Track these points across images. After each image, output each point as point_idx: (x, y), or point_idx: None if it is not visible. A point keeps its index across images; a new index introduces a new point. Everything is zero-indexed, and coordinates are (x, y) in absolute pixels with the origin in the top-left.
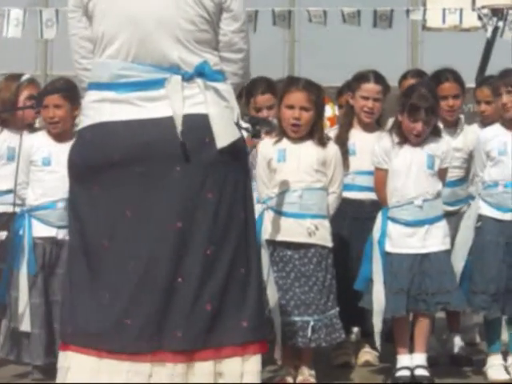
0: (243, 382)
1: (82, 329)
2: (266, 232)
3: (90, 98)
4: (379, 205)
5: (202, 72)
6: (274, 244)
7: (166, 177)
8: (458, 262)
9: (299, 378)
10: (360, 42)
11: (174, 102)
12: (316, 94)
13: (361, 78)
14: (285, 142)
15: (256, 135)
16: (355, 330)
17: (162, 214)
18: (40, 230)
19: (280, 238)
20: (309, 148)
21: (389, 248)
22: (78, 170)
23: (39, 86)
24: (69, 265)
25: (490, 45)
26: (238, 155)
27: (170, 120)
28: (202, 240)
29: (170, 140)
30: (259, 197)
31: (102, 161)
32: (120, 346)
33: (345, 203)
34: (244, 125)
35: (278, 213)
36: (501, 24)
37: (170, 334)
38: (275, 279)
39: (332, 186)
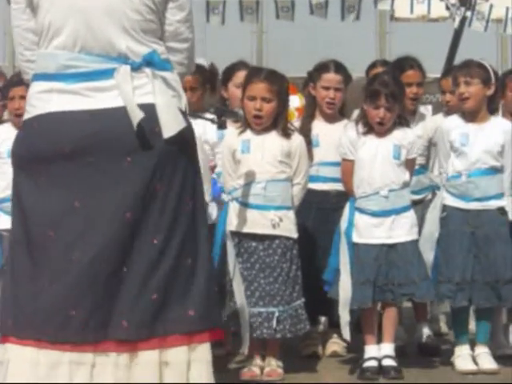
0: (191, 370)
1: (22, 320)
2: (230, 223)
3: (36, 88)
4: (344, 195)
5: (150, 61)
6: (238, 235)
7: (116, 167)
8: (427, 254)
9: (266, 370)
10: (328, 32)
11: (124, 92)
12: (278, 85)
13: (321, 68)
14: (249, 133)
15: (221, 126)
16: (323, 320)
17: (112, 204)
18: (6, 222)
19: (245, 229)
20: (273, 139)
21: (356, 238)
22: (23, 160)
23: (6, 77)
24: (10, 256)
25: (457, 35)
26: (187, 144)
27: (119, 110)
28: (149, 230)
29: (119, 131)
30: (224, 188)
31: (50, 151)
32: (64, 337)
33: (310, 194)
34: (210, 115)
35: (243, 204)
36: (469, 14)
37: (115, 323)
38: (240, 270)
39: (297, 177)
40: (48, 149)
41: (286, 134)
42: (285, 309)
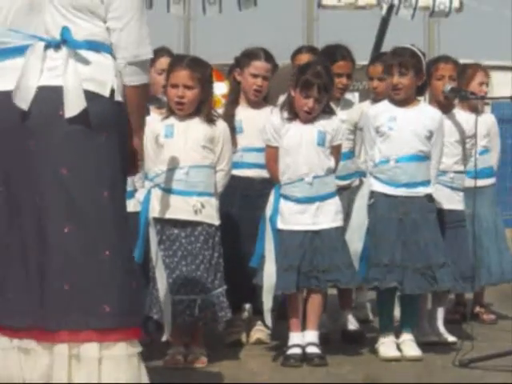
0: (102, 367)
1: None
2: (153, 210)
3: None
4: (269, 182)
5: (66, 40)
6: (161, 222)
7: (22, 151)
8: (355, 243)
9: (190, 357)
10: (255, 18)
11: (28, 73)
12: (201, 72)
13: (251, 55)
14: (172, 119)
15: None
16: (247, 307)
17: (20, 189)
18: None
19: (167, 215)
20: (196, 125)
21: (280, 225)
22: None
23: None
24: None
25: (385, 22)
26: (104, 128)
27: (24, 92)
28: (58, 218)
29: (23, 113)
30: (147, 174)
31: None
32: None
33: (234, 181)
34: None
35: (165, 190)
36: (396, 2)
37: (34, 310)
38: (162, 258)
39: (220, 163)
40: None
41: (210, 120)
42: (207, 296)
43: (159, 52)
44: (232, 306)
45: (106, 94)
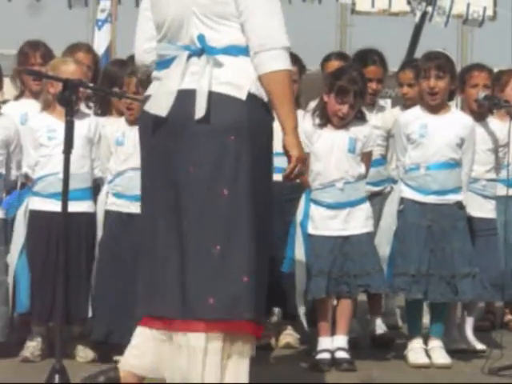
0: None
1: None
2: None
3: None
4: (298, 187)
5: (203, 46)
6: None
7: (164, 149)
8: (383, 247)
9: None
10: (288, 21)
11: (172, 79)
12: None
13: None
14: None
15: None
16: (276, 311)
17: (159, 183)
18: None
19: None
20: None
21: (311, 230)
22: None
23: None
24: None
25: (418, 29)
26: (230, 130)
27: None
28: (181, 213)
29: (169, 114)
30: None
31: (142, 128)
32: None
33: None
34: None
35: None
36: (430, 9)
37: (164, 301)
38: None
39: None
40: (142, 127)
41: None
42: None
43: None
44: None
45: (243, 96)
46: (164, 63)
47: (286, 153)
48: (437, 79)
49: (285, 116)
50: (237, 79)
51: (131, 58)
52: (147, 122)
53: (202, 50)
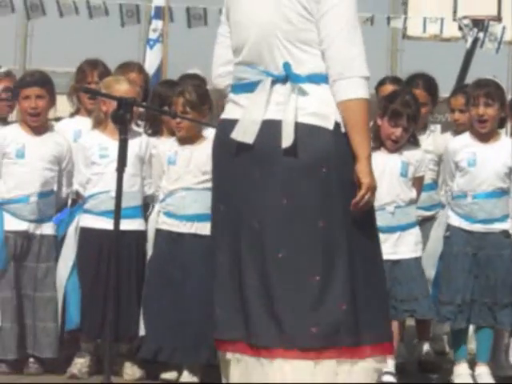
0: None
1: None
2: None
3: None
4: None
5: (288, 74)
6: None
7: (248, 177)
8: (429, 270)
9: None
10: None
11: (255, 106)
12: None
13: None
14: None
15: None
16: None
17: (245, 212)
18: (11, 224)
19: None
20: None
21: None
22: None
23: (15, 78)
24: None
25: (469, 55)
26: (322, 161)
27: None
28: (273, 242)
29: (255, 142)
30: None
31: (215, 152)
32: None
33: None
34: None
35: None
36: (481, 35)
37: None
38: None
39: None
40: (218, 152)
41: None
42: None
43: None
44: None
45: (330, 126)
46: (243, 87)
47: (358, 180)
48: (486, 107)
49: (360, 144)
50: (323, 109)
51: (182, 78)
52: (226, 147)
53: (286, 76)
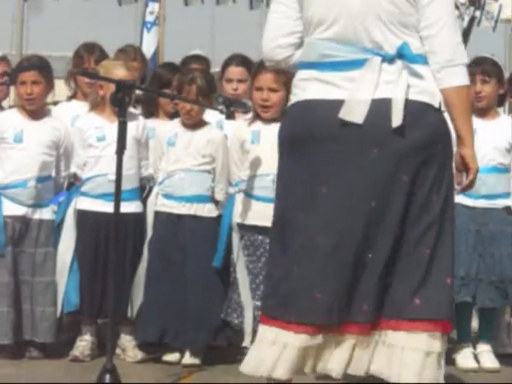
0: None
1: (274, 301)
2: (237, 215)
3: (298, 76)
4: None
5: (402, 54)
6: (245, 228)
7: (362, 157)
8: None
9: None
10: None
11: (365, 85)
12: (286, 75)
13: None
14: (258, 124)
15: (230, 116)
16: None
17: (357, 192)
18: (10, 209)
19: (251, 222)
20: None
21: None
22: (283, 144)
23: (11, 63)
24: (269, 241)
25: (466, 34)
26: (437, 140)
27: (358, 105)
28: (392, 221)
29: (368, 121)
30: (231, 179)
31: (302, 136)
32: (310, 318)
33: None
34: (218, 106)
35: (250, 196)
36: (478, 13)
37: (356, 307)
38: (245, 263)
39: None
40: (302, 134)
41: None
42: None
43: (229, 61)
44: None
45: (437, 105)
46: (333, 65)
47: (466, 164)
48: (483, 84)
49: (467, 130)
50: (431, 87)
51: (185, 60)
52: (310, 131)
53: (395, 56)
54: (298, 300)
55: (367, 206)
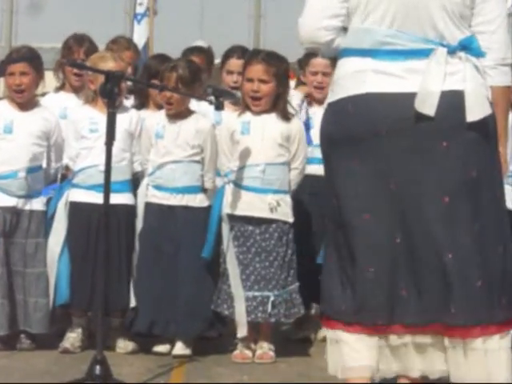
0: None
1: (349, 306)
2: (227, 206)
3: (348, 65)
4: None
5: (466, 46)
6: (235, 218)
7: (432, 151)
8: None
9: (258, 352)
10: None
11: (434, 77)
12: (277, 66)
13: (310, 55)
14: (248, 115)
15: (219, 107)
16: (315, 305)
17: (429, 188)
18: (0, 200)
19: (241, 212)
20: (273, 121)
21: None
22: (333, 142)
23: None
24: (326, 242)
25: None
26: (492, 133)
27: (428, 97)
28: (468, 217)
29: (436, 115)
30: (220, 170)
31: (365, 133)
32: (398, 319)
33: (303, 178)
34: (207, 97)
35: (240, 187)
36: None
37: (443, 308)
38: (236, 254)
39: (295, 161)
40: (364, 130)
41: (286, 117)
42: (280, 293)
43: (230, 52)
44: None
45: (490, 97)
46: (393, 53)
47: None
48: None
49: (502, 128)
50: (485, 82)
51: (186, 51)
52: (371, 125)
53: (459, 48)
54: (380, 302)
55: (441, 202)
